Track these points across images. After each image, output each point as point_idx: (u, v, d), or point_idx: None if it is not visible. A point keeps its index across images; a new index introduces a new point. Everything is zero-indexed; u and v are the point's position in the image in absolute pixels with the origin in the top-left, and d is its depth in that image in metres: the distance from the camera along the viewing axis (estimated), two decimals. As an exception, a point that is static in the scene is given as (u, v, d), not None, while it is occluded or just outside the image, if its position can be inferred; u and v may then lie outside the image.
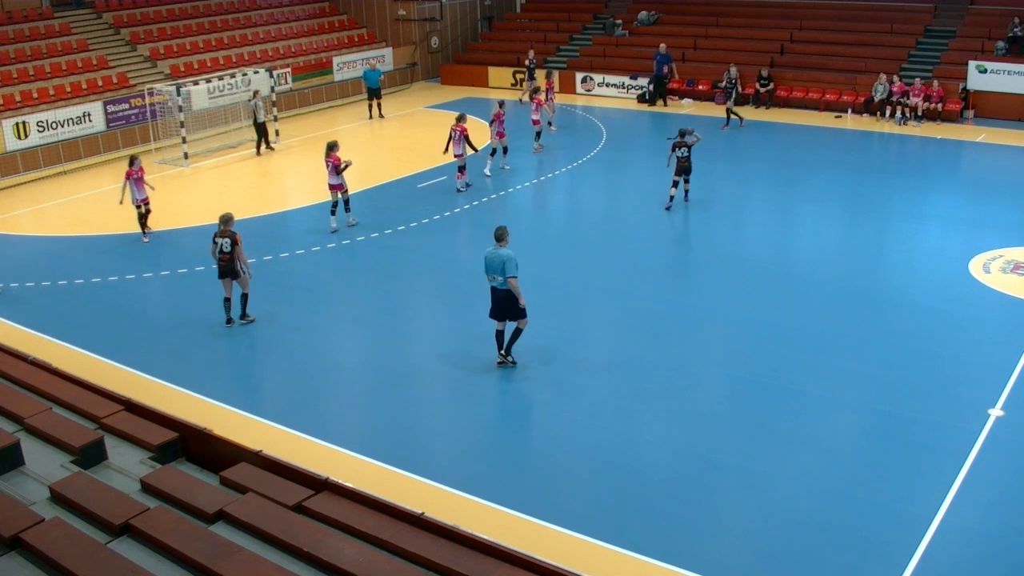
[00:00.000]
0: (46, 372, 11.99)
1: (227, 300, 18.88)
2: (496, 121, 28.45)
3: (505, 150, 29.07)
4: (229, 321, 18.94)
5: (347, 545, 7.97)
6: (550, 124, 34.82)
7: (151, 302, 20.36)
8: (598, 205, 27.39)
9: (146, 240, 23.89)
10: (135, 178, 23.39)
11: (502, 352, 16.77)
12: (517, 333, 16.65)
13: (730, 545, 12.05)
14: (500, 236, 16.41)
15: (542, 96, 33.34)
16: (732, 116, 35.02)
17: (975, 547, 11.83)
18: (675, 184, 25.16)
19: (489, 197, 26.89)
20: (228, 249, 18.40)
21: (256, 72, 35.77)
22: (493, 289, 16.45)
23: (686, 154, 24.85)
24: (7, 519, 8.00)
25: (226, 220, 18.56)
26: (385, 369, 17.24)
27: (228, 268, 18.54)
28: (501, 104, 28.96)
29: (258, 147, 32.93)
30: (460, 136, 26.71)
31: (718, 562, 11.63)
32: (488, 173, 28.57)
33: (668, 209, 25.07)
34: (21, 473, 9.22)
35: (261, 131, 32.76)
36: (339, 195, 23.99)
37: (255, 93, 32.83)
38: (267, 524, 8.16)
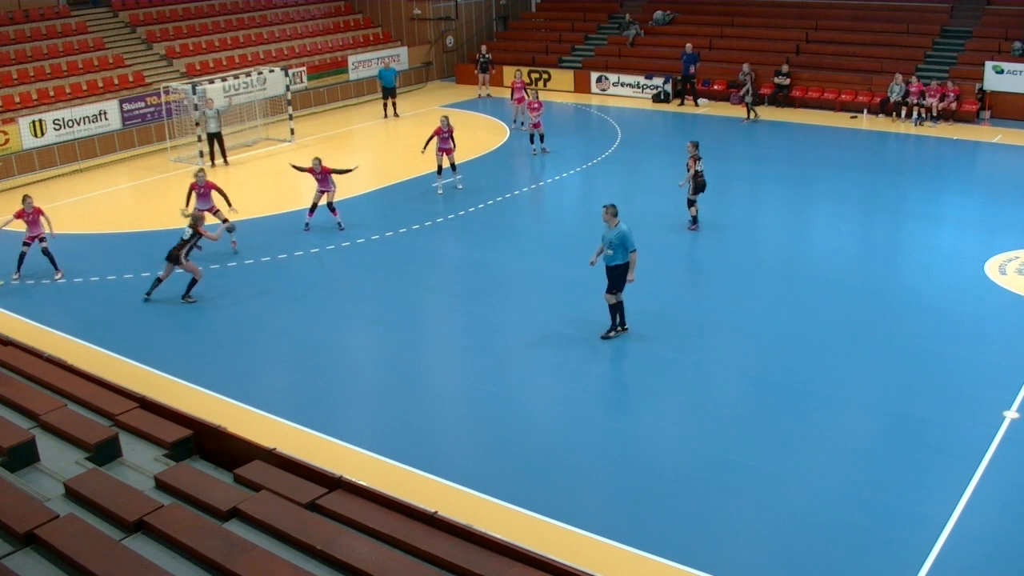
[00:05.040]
0: (61, 369, 12.04)
1: (158, 279, 20.01)
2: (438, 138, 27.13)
3: (453, 167, 27.67)
4: (147, 295, 20.08)
5: (361, 543, 7.97)
6: (514, 122, 34.98)
7: (164, 300, 20.38)
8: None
9: (15, 279, 21.61)
10: (28, 220, 21.52)
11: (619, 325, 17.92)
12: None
13: (743, 546, 12.02)
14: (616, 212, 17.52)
15: (525, 95, 33.36)
16: (750, 110, 35.49)
17: (990, 549, 11.77)
18: (693, 203, 23.64)
19: (503, 197, 26.88)
20: (186, 237, 19.58)
21: (272, 71, 35.84)
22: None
23: (702, 168, 23.33)
24: (22, 515, 8.03)
25: (197, 220, 19.79)
26: (399, 368, 17.25)
27: (173, 255, 19.62)
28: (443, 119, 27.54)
29: (212, 159, 31.50)
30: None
31: (731, 563, 11.60)
32: (440, 191, 27.62)
33: (693, 229, 23.80)
34: (36, 469, 9.25)
35: (218, 142, 31.45)
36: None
37: (208, 101, 31.44)
38: (281, 522, 8.17)
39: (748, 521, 12.48)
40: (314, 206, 24.33)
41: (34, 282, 21.28)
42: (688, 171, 23.41)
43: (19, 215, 21.51)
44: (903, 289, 19.87)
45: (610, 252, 17.21)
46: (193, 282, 20.08)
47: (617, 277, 17.30)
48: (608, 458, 14.04)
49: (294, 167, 25.07)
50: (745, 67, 36.55)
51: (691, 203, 23.72)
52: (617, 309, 17.67)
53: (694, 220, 23.82)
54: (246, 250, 22.76)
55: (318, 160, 24.13)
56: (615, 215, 17.27)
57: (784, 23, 41.61)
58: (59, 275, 21.72)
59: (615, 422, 15.00)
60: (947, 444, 14.03)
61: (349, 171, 24.82)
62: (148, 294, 20.12)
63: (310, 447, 14.00)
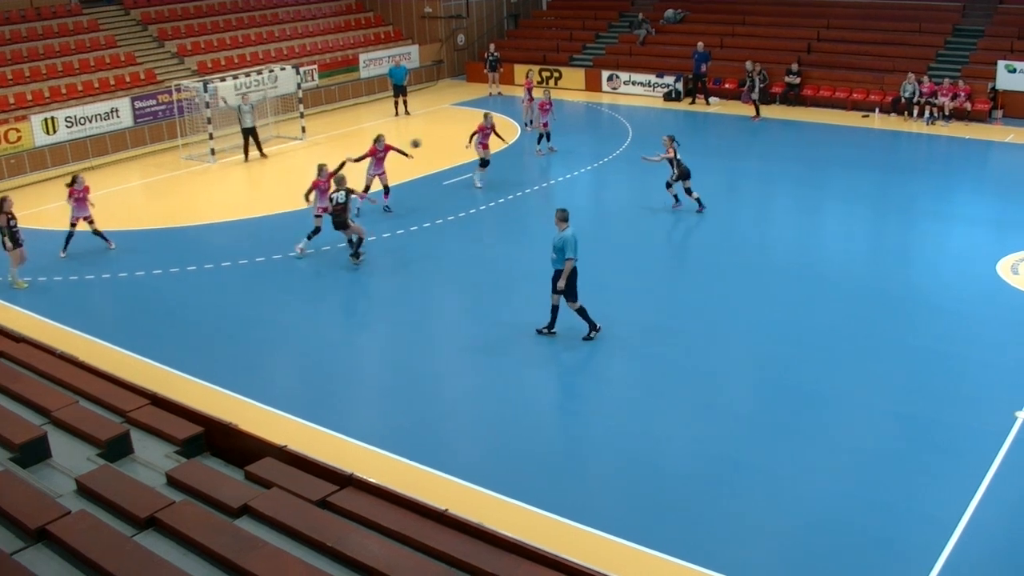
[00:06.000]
0: (73, 366, 12.05)
1: (349, 240, 21.78)
2: (480, 134, 27.43)
3: (486, 163, 27.79)
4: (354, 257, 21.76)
5: (371, 541, 7.97)
6: (526, 124, 34.63)
7: (177, 297, 20.45)
8: (622, 203, 27.33)
9: (112, 247, 23.21)
10: (77, 197, 22.67)
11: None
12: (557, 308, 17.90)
13: (754, 545, 12.01)
14: (567, 217, 17.54)
15: (533, 96, 33.12)
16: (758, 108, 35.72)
17: (1000, 549, 11.74)
18: (689, 190, 24.76)
19: (515, 195, 26.88)
20: (342, 200, 21.03)
21: (283, 69, 35.86)
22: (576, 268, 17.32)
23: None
24: (34, 511, 8.04)
25: (340, 180, 21.28)
26: (409, 365, 17.28)
27: (340, 220, 21.21)
28: (486, 116, 28.02)
29: (246, 153, 31.90)
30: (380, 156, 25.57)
31: (741, 562, 11.59)
32: (478, 185, 27.76)
33: (701, 211, 24.72)
34: (48, 466, 9.26)
35: (253, 136, 31.76)
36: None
37: (243, 97, 31.86)
38: (291, 519, 8.17)
39: (758, 520, 12.46)
40: (367, 187, 24.74)
41: (46, 279, 21.34)
42: (671, 164, 24.46)
43: (72, 193, 22.59)
44: (914, 289, 19.83)
45: (553, 256, 17.33)
46: (360, 241, 21.64)
47: (566, 282, 17.29)
48: (618, 457, 14.03)
49: (352, 161, 24.47)
50: (748, 64, 36.53)
51: (688, 190, 24.58)
52: (583, 313, 17.60)
53: (698, 203, 24.71)
54: (257, 248, 22.81)
55: (381, 137, 24.94)
56: (563, 220, 17.36)
57: (795, 21, 41.53)
58: (112, 245, 23.27)
59: (626, 421, 14.99)
60: (958, 444, 14.00)
61: (407, 156, 25.51)
62: (356, 256, 21.69)
63: (321, 444, 14.01)
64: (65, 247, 22.80)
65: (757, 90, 35.80)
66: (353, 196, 21.72)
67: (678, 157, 24.45)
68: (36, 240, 22.01)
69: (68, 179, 23.32)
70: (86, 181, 23.18)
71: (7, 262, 20.92)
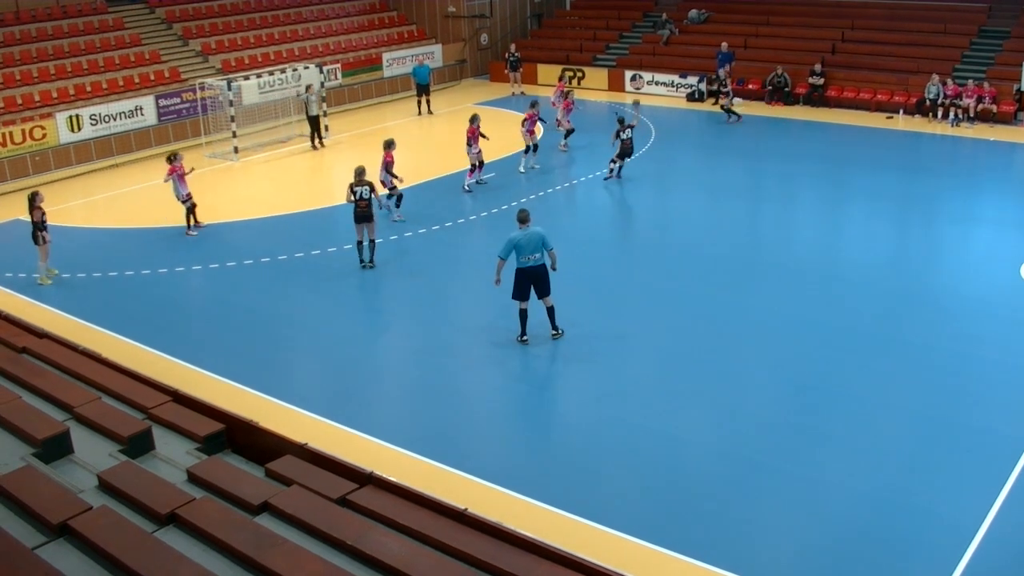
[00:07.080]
0: (96, 362, 12.11)
1: (360, 243, 21.43)
2: (528, 120, 28.96)
3: (535, 147, 29.43)
4: (362, 263, 21.48)
5: (390, 539, 7.98)
6: (558, 123, 34.54)
7: (199, 294, 20.55)
8: (647, 203, 27.28)
9: (193, 233, 24.21)
10: (178, 174, 23.70)
11: (524, 333, 17.71)
12: (552, 309, 17.70)
13: (775, 548, 11.97)
14: (526, 218, 17.42)
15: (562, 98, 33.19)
16: (730, 112, 35.96)
17: (1022, 555, 11.66)
18: (614, 161, 27.62)
19: (536, 194, 26.87)
20: (367, 196, 21.01)
21: (306, 67, 35.90)
22: (527, 270, 17.30)
23: (630, 136, 27.37)
24: (56, 506, 8.08)
25: (361, 172, 21.16)
26: (430, 365, 17.28)
27: (366, 214, 21.05)
28: (534, 104, 29.43)
29: (312, 141, 33.24)
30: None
31: (758, 564, 11.55)
32: (522, 170, 29.07)
33: (608, 180, 27.81)
34: (70, 461, 9.32)
35: (314, 124, 33.07)
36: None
37: (308, 87, 33.03)
38: (311, 516, 8.19)
39: (779, 522, 12.43)
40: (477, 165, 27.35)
41: (70, 275, 21.46)
42: (618, 137, 27.33)
43: (172, 171, 23.66)
44: (938, 292, 19.71)
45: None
46: (372, 243, 21.61)
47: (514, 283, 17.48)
48: (638, 457, 14.01)
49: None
50: (720, 72, 36.94)
51: (613, 161, 27.64)
52: (521, 316, 17.69)
53: (611, 172, 27.87)
54: (280, 246, 22.86)
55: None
56: (520, 220, 17.48)
57: (819, 22, 41.31)
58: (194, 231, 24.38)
59: (645, 421, 14.95)
60: (980, 448, 13.89)
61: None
62: (364, 262, 21.53)
63: (341, 443, 14.05)
64: (189, 226, 24.26)
65: (728, 95, 36.39)
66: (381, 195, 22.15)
67: (622, 137, 27.19)
68: (59, 237, 22.13)
69: (168, 156, 24.45)
70: (183, 158, 24.51)
71: (35, 258, 21.07)
